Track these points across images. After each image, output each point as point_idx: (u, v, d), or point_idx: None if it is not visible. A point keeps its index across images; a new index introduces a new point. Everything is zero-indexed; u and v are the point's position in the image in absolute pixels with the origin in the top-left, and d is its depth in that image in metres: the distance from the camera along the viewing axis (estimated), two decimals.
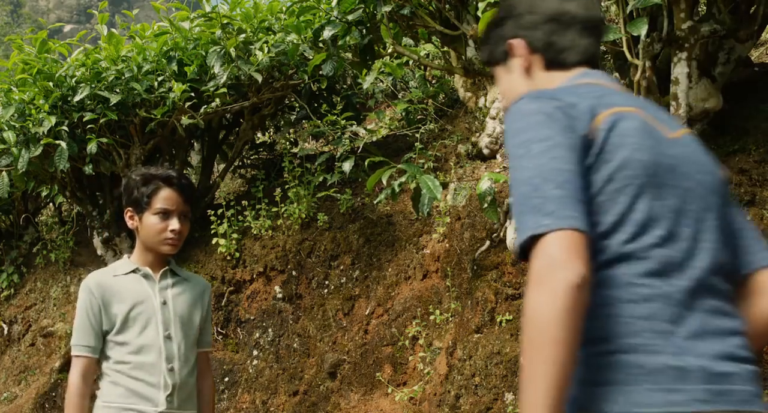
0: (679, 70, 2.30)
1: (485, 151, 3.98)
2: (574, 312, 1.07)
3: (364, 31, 3.56)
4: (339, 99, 4.67)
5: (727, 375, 1.15)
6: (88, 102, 3.90)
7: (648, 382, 1.11)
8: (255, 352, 4.12)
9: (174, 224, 2.28)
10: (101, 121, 3.86)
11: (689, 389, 1.11)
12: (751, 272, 1.32)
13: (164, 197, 2.29)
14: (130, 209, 2.35)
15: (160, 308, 2.31)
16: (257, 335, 4.15)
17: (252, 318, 4.22)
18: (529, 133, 1.24)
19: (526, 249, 1.14)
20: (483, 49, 1.61)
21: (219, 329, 4.31)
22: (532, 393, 1.05)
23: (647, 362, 1.13)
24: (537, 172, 1.19)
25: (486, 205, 2.63)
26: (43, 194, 5.62)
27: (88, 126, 3.89)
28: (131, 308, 2.29)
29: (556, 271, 1.08)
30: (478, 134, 4.07)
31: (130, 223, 2.37)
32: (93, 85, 3.83)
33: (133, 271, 2.36)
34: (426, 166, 3.99)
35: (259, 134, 5.03)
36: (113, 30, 4.06)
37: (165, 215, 2.29)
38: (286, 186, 4.22)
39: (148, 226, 2.30)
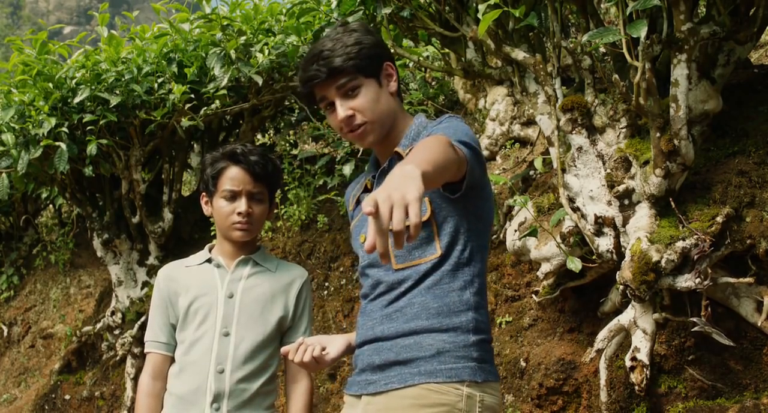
0: (679, 72, 2.30)
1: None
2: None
3: None
4: None
5: None
6: (88, 104, 3.90)
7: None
8: None
9: (241, 206, 2.03)
10: (101, 122, 3.86)
11: None
12: None
13: (229, 176, 2.05)
14: (204, 194, 2.14)
15: (223, 302, 2.04)
16: None
17: None
18: (471, 134, 1.64)
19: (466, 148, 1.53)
20: (355, 55, 1.62)
21: None
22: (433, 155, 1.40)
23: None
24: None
25: None
26: (43, 195, 5.62)
27: (88, 128, 3.89)
28: (192, 301, 2.06)
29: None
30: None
31: (205, 209, 2.14)
32: (93, 87, 3.83)
33: (207, 261, 2.13)
34: None
35: (259, 136, 5.03)
36: (113, 32, 4.05)
37: (232, 196, 2.05)
38: (286, 188, 4.22)
39: (217, 210, 2.07)
